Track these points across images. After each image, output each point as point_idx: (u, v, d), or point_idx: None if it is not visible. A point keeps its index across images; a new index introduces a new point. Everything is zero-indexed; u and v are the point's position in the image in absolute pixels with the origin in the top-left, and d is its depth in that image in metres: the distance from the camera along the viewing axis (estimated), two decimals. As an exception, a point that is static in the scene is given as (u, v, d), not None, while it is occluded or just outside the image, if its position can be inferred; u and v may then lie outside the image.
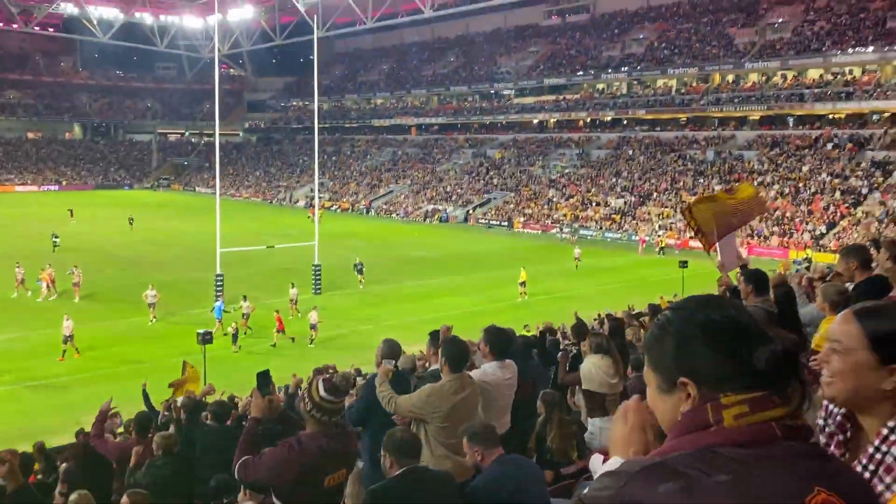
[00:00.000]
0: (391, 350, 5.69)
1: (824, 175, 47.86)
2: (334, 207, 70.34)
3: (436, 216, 61.76)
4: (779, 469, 1.19)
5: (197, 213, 59.71)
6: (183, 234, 48.90)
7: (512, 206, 59.81)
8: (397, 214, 64.54)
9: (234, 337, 23.94)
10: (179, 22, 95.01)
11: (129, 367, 21.21)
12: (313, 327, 24.79)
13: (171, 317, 27.38)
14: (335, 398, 3.79)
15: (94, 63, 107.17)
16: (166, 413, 10.08)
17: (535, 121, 73.63)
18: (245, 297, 25.93)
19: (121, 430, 11.64)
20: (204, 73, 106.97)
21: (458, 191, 66.30)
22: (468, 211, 61.61)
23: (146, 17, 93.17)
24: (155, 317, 26.63)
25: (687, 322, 1.34)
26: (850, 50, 52.20)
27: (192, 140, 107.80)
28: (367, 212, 67.71)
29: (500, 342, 5.52)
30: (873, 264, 5.46)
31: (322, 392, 3.76)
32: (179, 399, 10.06)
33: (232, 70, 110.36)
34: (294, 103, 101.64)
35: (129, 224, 51.42)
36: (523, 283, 30.64)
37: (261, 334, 25.39)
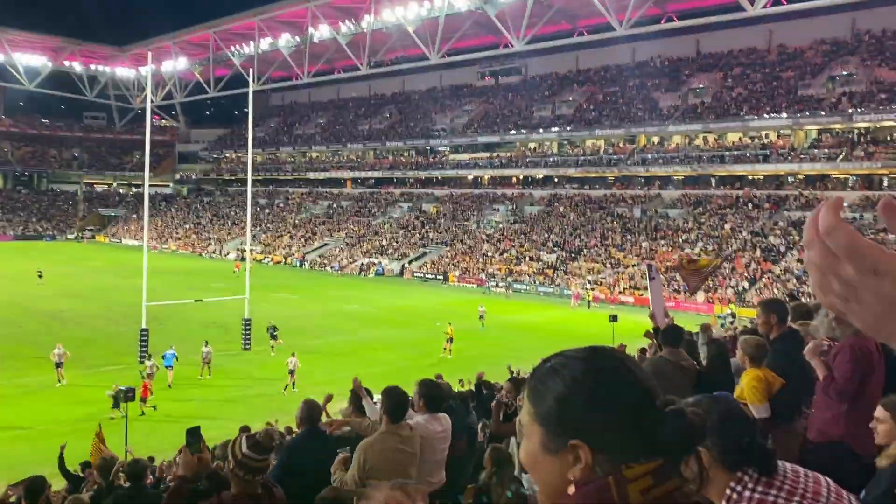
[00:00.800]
0: (310, 412, 5.60)
1: (745, 233, 49.99)
2: (266, 260, 69.30)
3: (371, 270, 61.51)
4: None
5: (123, 265, 57.91)
6: (108, 286, 47.24)
7: (447, 260, 60.15)
8: (331, 268, 64.01)
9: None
10: (110, 72, 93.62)
11: (43, 427, 20.11)
12: (292, 373, 24.36)
13: (92, 373, 26.19)
14: (258, 455, 3.59)
15: (18, 110, 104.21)
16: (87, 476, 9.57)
17: (470, 177, 74.81)
18: (150, 356, 24.94)
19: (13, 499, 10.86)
20: (134, 123, 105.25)
21: (394, 244, 66.39)
22: (403, 265, 61.63)
23: (76, 66, 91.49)
24: (63, 378, 24.73)
25: (586, 372, 1.19)
26: (766, 115, 55.29)
27: (120, 191, 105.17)
28: (301, 265, 66.96)
29: (432, 395, 5.50)
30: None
31: (244, 449, 3.58)
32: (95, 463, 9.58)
33: (164, 121, 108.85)
34: (227, 155, 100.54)
35: (38, 278, 49.10)
36: (450, 340, 30.51)
37: (182, 391, 24.53)
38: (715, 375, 6.28)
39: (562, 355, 1.26)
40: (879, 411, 3.35)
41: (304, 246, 72.05)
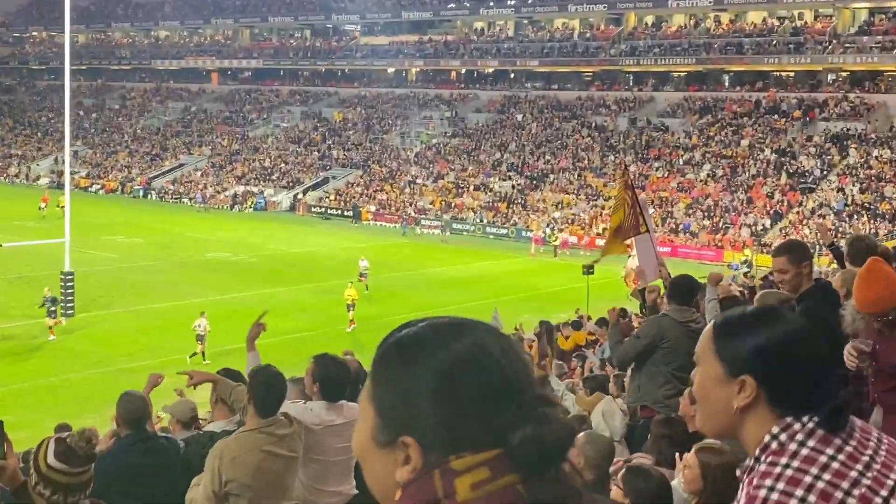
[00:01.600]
0: (132, 409, 5.49)
1: (767, 152, 51.15)
2: (95, 187, 67.84)
3: (249, 202, 60.92)
4: None
5: None
6: None
7: (359, 189, 59.91)
8: (191, 199, 63.17)
9: None
10: None
11: None
12: (200, 339, 25.32)
13: None
14: (71, 467, 3.49)
15: None
16: None
17: (391, 70, 74.16)
18: None
19: None
20: None
21: (282, 166, 65.71)
22: (296, 195, 61.18)
23: None
24: None
25: (436, 359, 1.27)
26: (801, -13, 56.29)
27: None
28: (146, 195, 65.93)
29: (331, 377, 5.51)
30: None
31: (51, 458, 3.47)
32: None
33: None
34: (34, 33, 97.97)
35: None
36: (351, 305, 30.42)
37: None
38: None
39: (414, 329, 1.35)
40: None
41: (149, 168, 70.74)
